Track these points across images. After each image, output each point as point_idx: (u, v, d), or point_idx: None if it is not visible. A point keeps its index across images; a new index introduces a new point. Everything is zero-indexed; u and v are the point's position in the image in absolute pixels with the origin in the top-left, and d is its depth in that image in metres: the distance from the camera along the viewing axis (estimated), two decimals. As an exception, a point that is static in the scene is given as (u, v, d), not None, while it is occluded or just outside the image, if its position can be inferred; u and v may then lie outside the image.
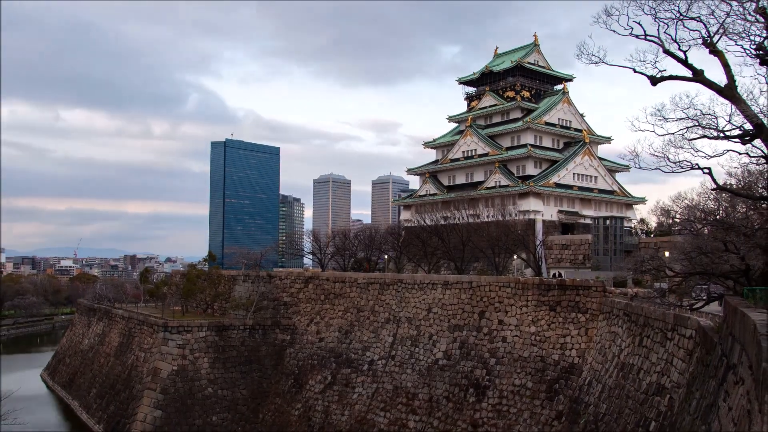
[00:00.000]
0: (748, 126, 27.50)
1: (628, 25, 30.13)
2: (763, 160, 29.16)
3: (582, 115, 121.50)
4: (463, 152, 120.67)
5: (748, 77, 27.20)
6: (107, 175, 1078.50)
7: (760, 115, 26.85)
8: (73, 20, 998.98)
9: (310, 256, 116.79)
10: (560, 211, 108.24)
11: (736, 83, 27.58)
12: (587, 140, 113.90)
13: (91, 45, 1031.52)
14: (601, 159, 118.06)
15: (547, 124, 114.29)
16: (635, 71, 30.77)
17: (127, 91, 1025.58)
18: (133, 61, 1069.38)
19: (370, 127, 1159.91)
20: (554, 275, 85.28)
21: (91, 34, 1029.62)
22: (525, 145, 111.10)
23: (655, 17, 29.01)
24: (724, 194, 36.91)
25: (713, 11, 27.34)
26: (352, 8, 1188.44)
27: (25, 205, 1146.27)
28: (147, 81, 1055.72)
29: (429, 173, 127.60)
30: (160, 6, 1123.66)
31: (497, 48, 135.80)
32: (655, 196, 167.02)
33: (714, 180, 30.77)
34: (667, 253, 57.27)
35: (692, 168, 29.77)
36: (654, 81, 30.65)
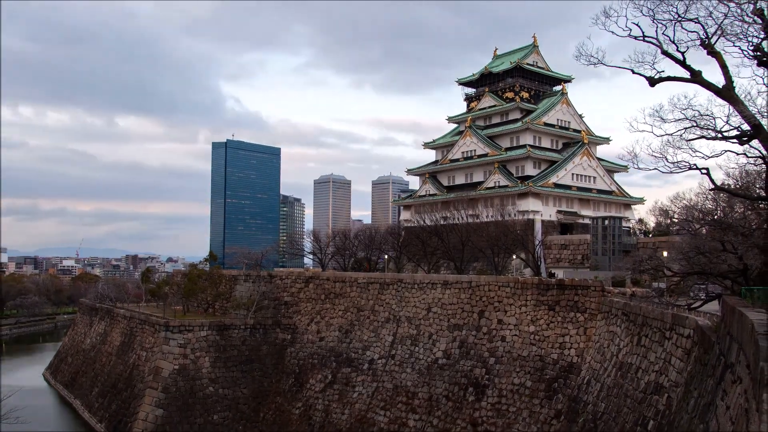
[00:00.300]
0: (745, 127, 27.70)
1: (626, 27, 30.31)
2: (760, 161, 29.31)
3: (581, 116, 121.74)
4: (463, 153, 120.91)
5: (745, 78, 27.39)
6: (147, 179, 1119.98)
7: (758, 116, 27.02)
8: (134, 35, 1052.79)
9: (311, 256, 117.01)
10: (559, 211, 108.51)
11: (734, 84, 27.78)
12: (586, 141, 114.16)
13: (150, 57, 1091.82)
14: (599, 159, 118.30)
15: (546, 124, 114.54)
16: (634, 72, 30.96)
17: (179, 101, 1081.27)
18: (186, 71, 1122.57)
19: (410, 131, 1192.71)
20: (549, 275, 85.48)
21: (150, 47, 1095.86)
22: (524, 146, 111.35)
23: (654, 19, 29.14)
24: (721, 194, 37.18)
25: (711, 13, 27.49)
26: (405, 26, 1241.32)
27: (52, 206, 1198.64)
28: (197, 91, 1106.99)
29: (429, 174, 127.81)
30: (217, 22, 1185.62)
31: (496, 49, 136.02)
32: (653, 197, 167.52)
33: (712, 180, 31.00)
34: (665, 253, 57.49)
35: (690, 168, 29.95)
36: (652, 82, 30.84)
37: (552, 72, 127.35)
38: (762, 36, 26.14)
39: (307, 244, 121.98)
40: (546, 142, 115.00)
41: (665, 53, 29.65)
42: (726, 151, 29.13)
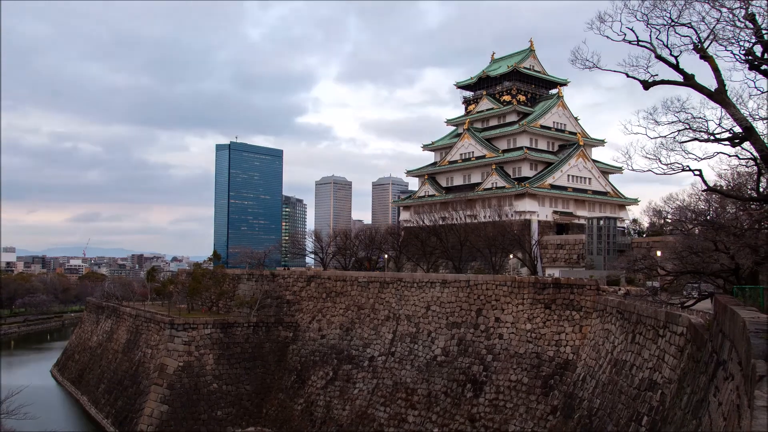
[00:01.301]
0: (737, 129, 28.06)
1: (621, 31, 30.79)
2: (752, 162, 29.83)
3: (576, 119, 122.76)
4: (461, 154, 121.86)
5: (737, 82, 27.78)
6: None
7: (749, 119, 27.59)
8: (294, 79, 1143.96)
9: (313, 256, 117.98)
10: (555, 212, 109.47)
11: (726, 87, 28.31)
12: (581, 143, 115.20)
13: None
14: (594, 161, 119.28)
15: (542, 127, 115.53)
16: (628, 76, 31.41)
17: (274, 122, 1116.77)
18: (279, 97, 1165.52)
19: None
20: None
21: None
22: (521, 148, 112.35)
23: (648, 23, 29.51)
24: (714, 195, 37.86)
25: (704, 18, 27.77)
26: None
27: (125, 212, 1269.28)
28: (286, 114, 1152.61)
29: (428, 175, 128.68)
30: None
31: (494, 53, 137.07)
32: (647, 197, 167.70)
33: (704, 181, 31.44)
34: (659, 253, 58.34)
35: (683, 170, 30.29)
36: (646, 85, 31.34)
37: (548, 76, 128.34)
38: (753, 40, 26.54)
39: (309, 243, 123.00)
40: (542, 144, 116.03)
41: (659, 57, 30.10)
42: (718, 153, 29.45)
